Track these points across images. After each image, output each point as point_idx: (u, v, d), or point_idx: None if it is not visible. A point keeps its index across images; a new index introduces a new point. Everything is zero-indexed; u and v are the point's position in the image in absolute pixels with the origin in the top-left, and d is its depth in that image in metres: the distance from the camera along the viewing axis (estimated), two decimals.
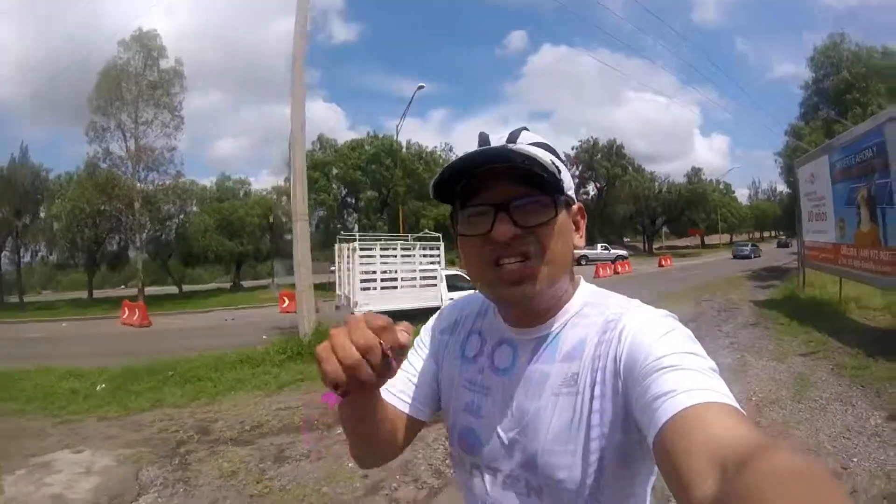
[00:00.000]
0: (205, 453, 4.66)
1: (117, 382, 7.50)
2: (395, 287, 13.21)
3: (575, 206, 0.83)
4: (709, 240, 62.01)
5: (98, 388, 7.33)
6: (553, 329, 0.82)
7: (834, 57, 26.77)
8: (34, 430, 5.66)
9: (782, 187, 45.58)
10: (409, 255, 13.67)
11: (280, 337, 10.55)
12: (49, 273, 39.08)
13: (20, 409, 6.61)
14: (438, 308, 1.04)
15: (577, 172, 50.74)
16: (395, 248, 13.72)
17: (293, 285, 10.01)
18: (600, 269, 27.25)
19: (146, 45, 27.54)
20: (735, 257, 37.97)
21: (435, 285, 13.40)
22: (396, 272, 13.36)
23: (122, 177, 27.19)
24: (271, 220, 31.11)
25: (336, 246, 14.47)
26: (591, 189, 51.43)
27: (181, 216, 29.02)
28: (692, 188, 53.21)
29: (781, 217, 49.45)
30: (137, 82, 26.86)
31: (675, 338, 0.70)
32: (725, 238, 63.41)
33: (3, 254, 31.65)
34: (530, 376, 0.81)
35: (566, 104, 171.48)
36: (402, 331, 0.64)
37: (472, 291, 0.95)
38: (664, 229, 59.24)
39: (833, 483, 0.43)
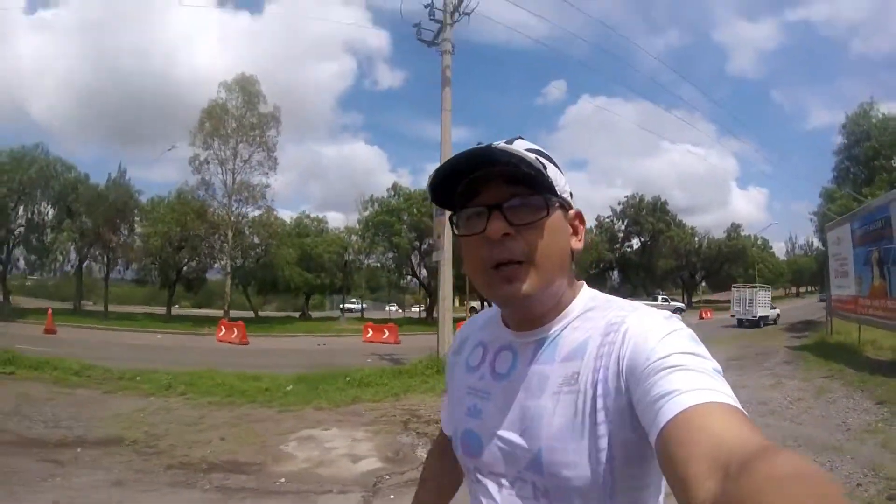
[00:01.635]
0: (432, 428, 5.77)
1: (301, 385, 8.85)
2: None
3: (572, 211, 0.85)
4: None
5: (287, 388, 8.62)
6: (552, 332, 0.83)
7: (863, 125, 29.00)
8: (265, 416, 6.88)
9: (818, 243, 46.61)
10: None
11: (379, 360, 13.02)
12: (131, 287, 41.50)
13: (233, 401, 7.75)
14: None
15: (622, 227, 53.25)
16: None
17: (360, 318, 12.22)
18: None
19: (246, 88, 30.71)
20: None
21: None
22: None
23: (216, 206, 30.21)
24: (347, 258, 34.29)
25: None
26: (636, 243, 53.51)
27: (265, 247, 31.82)
28: (731, 244, 55.12)
29: (818, 272, 50.47)
30: (239, 122, 30.02)
31: (678, 338, 0.70)
32: None
33: (86, 264, 34.09)
34: (530, 378, 0.81)
35: (602, 154, 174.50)
36: None
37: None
38: (703, 283, 60.85)
39: (833, 486, 0.43)
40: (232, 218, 29.93)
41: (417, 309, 48.48)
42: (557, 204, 0.80)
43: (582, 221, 0.87)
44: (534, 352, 0.83)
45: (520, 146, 0.81)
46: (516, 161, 0.73)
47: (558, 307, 0.83)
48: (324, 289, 37.44)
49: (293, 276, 33.25)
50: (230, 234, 29.30)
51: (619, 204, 53.62)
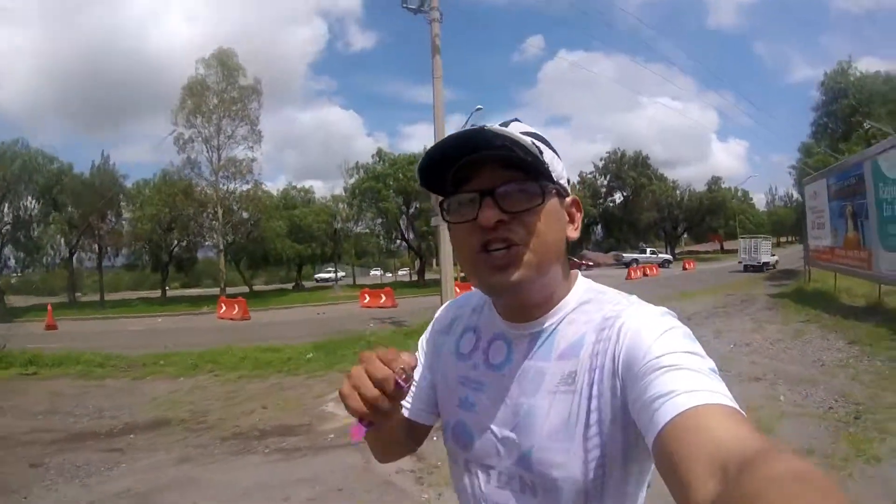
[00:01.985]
0: None
1: (320, 352, 9.26)
2: None
3: (569, 198, 0.83)
4: (728, 245, 64.59)
5: (308, 356, 9.03)
6: (548, 325, 0.81)
7: (842, 82, 30.05)
8: (296, 384, 7.29)
9: (797, 195, 47.90)
10: None
11: (381, 324, 13.46)
12: (117, 273, 41.47)
13: (260, 373, 8.17)
14: None
15: (605, 182, 54.59)
16: None
17: (352, 285, 12.49)
18: (632, 273, 30.25)
19: (225, 63, 30.43)
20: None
21: None
22: None
23: (203, 184, 30.23)
24: (336, 226, 34.74)
25: None
26: (618, 197, 54.82)
27: (254, 222, 31.89)
28: (712, 196, 56.57)
29: (797, 223, 51.93)
30: (220, 98, 29.94)
31: (674, 336, 0.69)
32: None
33: (77, 254, 33.80)
34: (525, 373, 0.80)
35: (583, 110, 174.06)
36: (408, 355, 0.70)
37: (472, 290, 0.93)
38: (685, 235, 62.35)
39: (834, 489, 0.43)
40: (220, 195, 29.89)
41: (407, 272, 49.35)
42: (554, 191, 0.78)
43: (579, 209, 0.85)
44: (529, 346, 0.81)
45: (516, 129, 0.78)
46: (510, 145, 0.71)
47: (553, 299, 0.82)
48: (315, 259, 37.82)
49: (284, 248, 33.54)
50: (220, 212, 29.38)
51: (601, 160, 54.80)
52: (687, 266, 37.63)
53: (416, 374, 0.94)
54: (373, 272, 55.07)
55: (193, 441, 5.28)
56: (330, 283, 38.95)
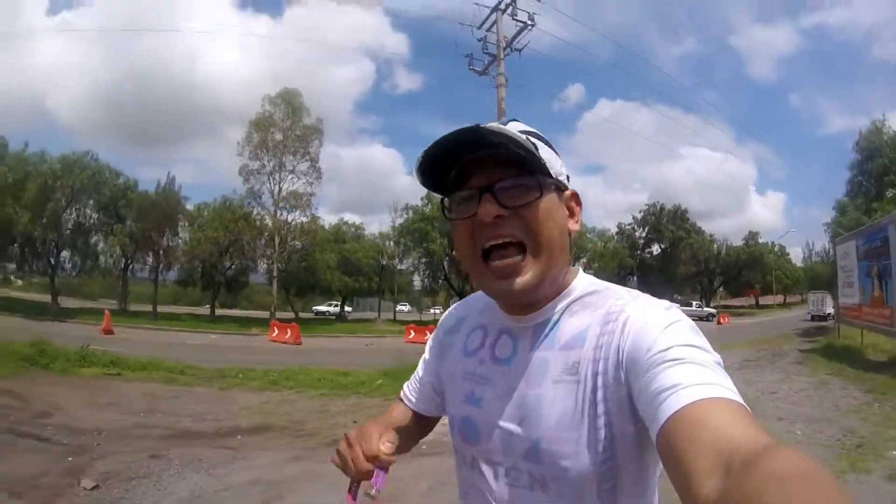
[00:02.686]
0: None
1: (388, 379, 9.55)
2: None
3: (568, 192, 0.84)
4: (763, 300, 63.78)
5: (378, 382, 9.46)
6: (551, 315, 0.82)
7: (876, 141, 30.83)
8: (376, 404, 7.72)
9: (833, 252, 47.60)
10: None
11: None
12: (165, 286, 42.84)
13: (339, 393, 8.67)
14: None
15: (643, 234, 55.31)
16: None
17: (392, 320, 13.05)
18: None
19: (290, 102, 32.90)
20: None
21: None
22: None
23: (262, 213, 32.59)
24: (385, 263, 36.63)
25: None
26: (655, 249, 55.39)
27: (307, 252, 33.90)
28: (749, 251, 56.71)
29: (834, 279, 51.26)
30: (285, 135, 32.25)
31: (678, 329, 0.70)
32: (779, 298, 65.18)
33: (133, 267, 35.82)
34: (531, 364, 0.81)
35: (620, 159, 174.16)
36: (387, 441, 0.82)
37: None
38: (721, 289, 62.18)
39: (837, 486, 0.43)
40: (279, 224, 31.89)
41: (436, 311, 50.40)
42: (553, 186, 0.80)
43: (578, 202, 0.86)
44: (534, 337, 0.83)
45: (513, 128, 0.81)
46: (506, 141, 0.72)
47: (556, 290, 0.83)
48: (362, 292, 39.96)
49: (334, 279, 35.54)
50: (277, 241, 31.30)
51: (639, 212, 55.65)
52: (722, 321, 37.72)
53: (423, 369, 1.09)
54: (399, 307, 56.93)
55: (299, 444, 5.75)
56: (329, 316, 40.97)
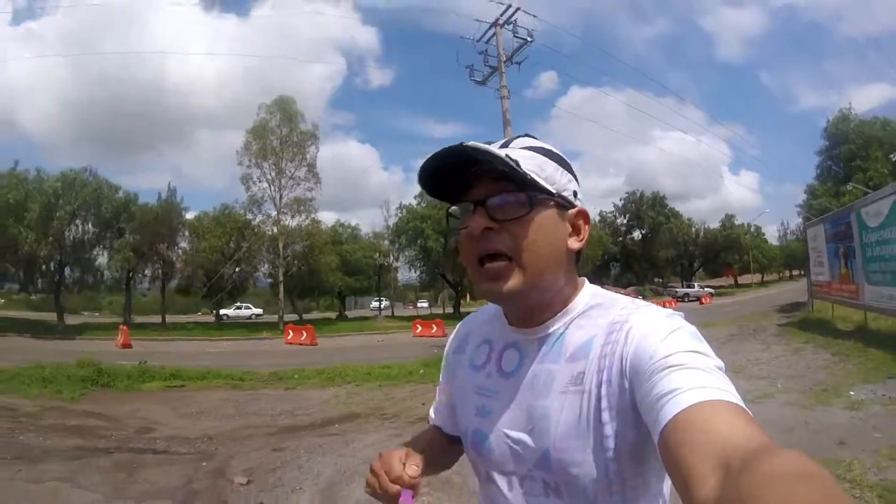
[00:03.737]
0: None
1: (429, 369, 10.18)
2: None
3: (573, 210, 0.85)
4: (742, 279, 66.54)
5: (420, 371, 10.18)
6: (555, 329, 0.84)
7: (843, 129, 33.34)
8: (430, 389, 6.61)
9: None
10: None
11: (442, 350, 15.29)
12: (170, 297, 43.46)
13: (393, 383, 9.32)
14: None
15: (624, 221, 57.58)
16: None
17: (391, 316, 13.73)
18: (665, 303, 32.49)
19: (285, 109, 33.72)
20: None
21: None
22: None
23: (262, 219, 33.61)
24: (382, 261, 38.16)
25: None
26: (637, 235, 57.63)
27: (310, 255, 34.90)
28: (726, 233, 59.60)
29: (808, 258, 54.11)
30: (282, 141, 33.15)
31: (680, 336, 0.71)
32: (757, 277, 68.18)
33: (136, 277, 35.73)
34: (537, 376, 0.83)
35: (595, 144, 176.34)
36: (412, 465, 0.90)
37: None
38: (700, 270, 64.89)
39: (837, 487, 0.43)
40: (281, 230, 32.99)
41: (425, 305, 54.29)
42: (552, 202, 0.81)
43: (586, 221, 0.87)
44: (539, 350, 0.85)
45: (522, 144, 0.84)
46: (490, 158, 0.75)
47: (560, 304, 0.85)
48: (361, 291, 41.52)
49: (335, 280, 36.73)
50: (281, 246, 32.48)
51: (620, 200, 58.11)
52: (703, 301, 39.68)
53: (442, 390, 1.11)
54: (373, 303, 59.50)
55: (390, 425, 6.24)
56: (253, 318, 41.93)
